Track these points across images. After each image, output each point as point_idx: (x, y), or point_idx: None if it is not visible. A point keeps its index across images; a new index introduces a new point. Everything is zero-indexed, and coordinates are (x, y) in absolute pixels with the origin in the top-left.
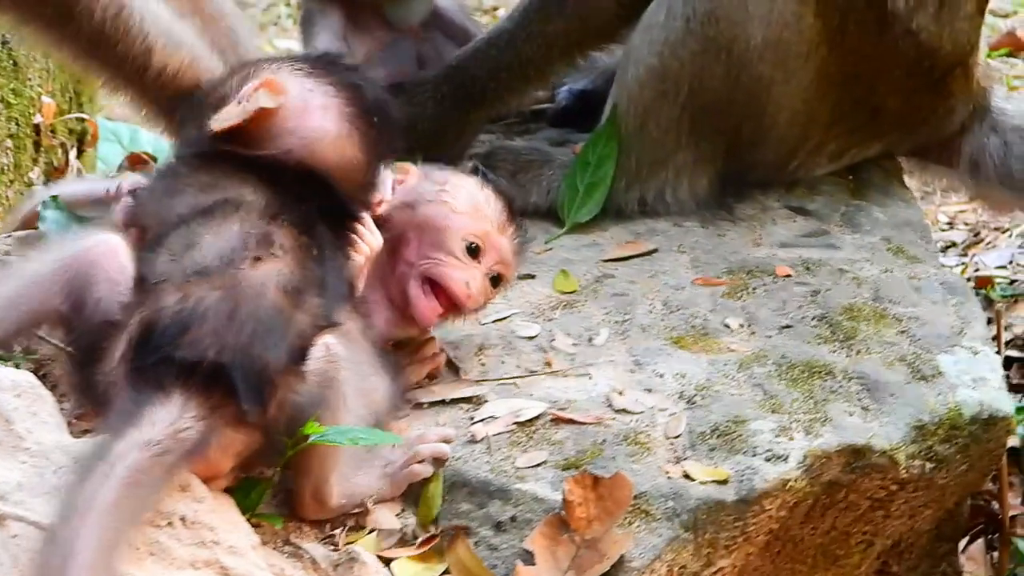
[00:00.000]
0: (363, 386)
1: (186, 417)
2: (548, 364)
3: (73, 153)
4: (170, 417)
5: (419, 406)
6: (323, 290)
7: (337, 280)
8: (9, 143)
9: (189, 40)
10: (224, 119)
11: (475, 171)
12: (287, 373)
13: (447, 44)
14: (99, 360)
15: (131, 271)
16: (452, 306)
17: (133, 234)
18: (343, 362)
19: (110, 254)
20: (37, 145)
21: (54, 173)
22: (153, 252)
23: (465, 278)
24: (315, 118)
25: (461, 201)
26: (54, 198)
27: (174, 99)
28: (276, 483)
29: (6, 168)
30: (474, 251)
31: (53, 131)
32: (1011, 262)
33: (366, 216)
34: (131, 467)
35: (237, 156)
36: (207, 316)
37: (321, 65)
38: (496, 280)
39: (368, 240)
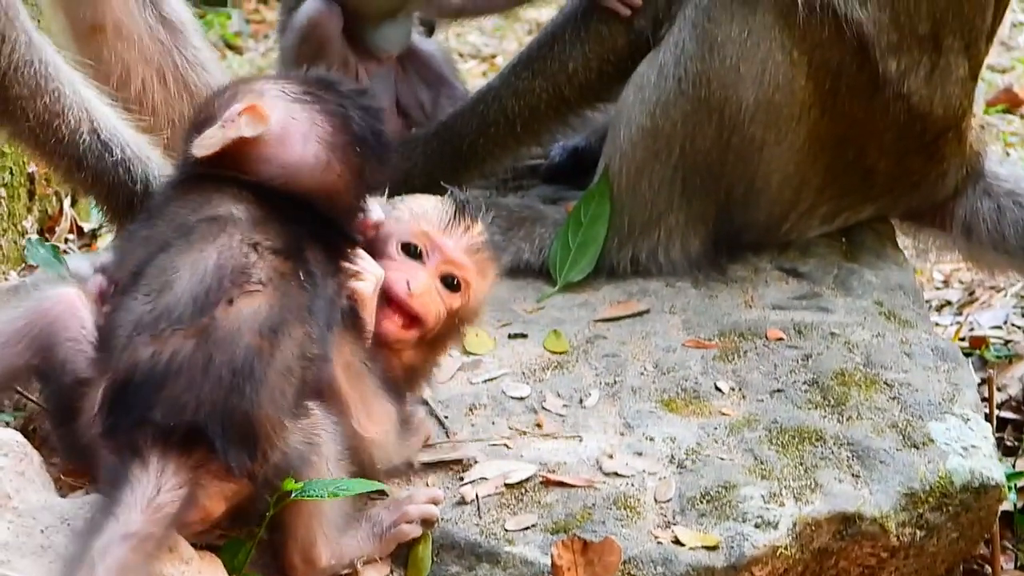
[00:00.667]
0: (347, 447)
1: (165, 486)
2: (538, 425)
3: (67, 202)
4: (148, 493)
5: (409, 466)
6: (310, 316)
7: (327, 305)
8: (3, 192)
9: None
10: (205, 145)
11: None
12: (271, 416)
13: (422, 87)
14: (77, 418)
15: (91, 327)
16: (409, 317)
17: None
18: (325, 426)
19: (68, 311)
20: (31, 194)
21: (48, 222)
22: (130, 289)
23: (404, 277)
24: (295, 148)
25: (403, 212)
26: (42, 240)
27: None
28: (263, 542)
29: (0, 217)
30: (413, 251)
31: (47, 180)
32: (1006, 322)
33: (361, 250)
34: (115, 565)
35: (224, 177)
36: (181, 371)
37: (313, 90)
38: (453, 284)
39: (372, 270)
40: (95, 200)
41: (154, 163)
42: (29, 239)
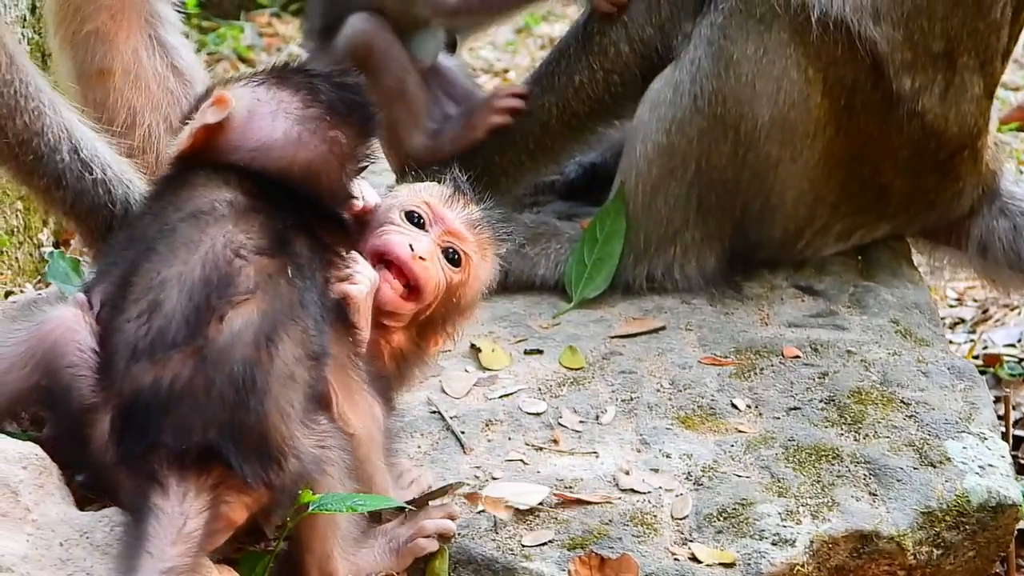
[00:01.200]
0: (358, 460)
1: (191, 512)
2: (555, 441)
3: None
4: (176, 523)
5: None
6: (303, 310)
7: (319, 296)
8: (19, 205)
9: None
10: (176, 143)
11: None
12: (280, 424)
13: (449, 102)
14: (89, 444)
15: (90, 349)
16: (409, 284)
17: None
18: (334, 435)
19: (66, 336)
20: None
21: (63, 235)
22: (120, 305)
23: (407, 240)
24: (262, 126)
25: (403, 189)
26: (61, 253)
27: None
28: (279, 556)
29: (16, 230)
30: (416, 220)
31: None
32: (1020, 340)
33: (356, 253)
34: None
35: (209, 171)
36: (184, 394)
37: (281, 73)
38: (454, 258)
39: (366, 273)
40: (74, 222)
41: (135, 186)
42: (51, 252)
